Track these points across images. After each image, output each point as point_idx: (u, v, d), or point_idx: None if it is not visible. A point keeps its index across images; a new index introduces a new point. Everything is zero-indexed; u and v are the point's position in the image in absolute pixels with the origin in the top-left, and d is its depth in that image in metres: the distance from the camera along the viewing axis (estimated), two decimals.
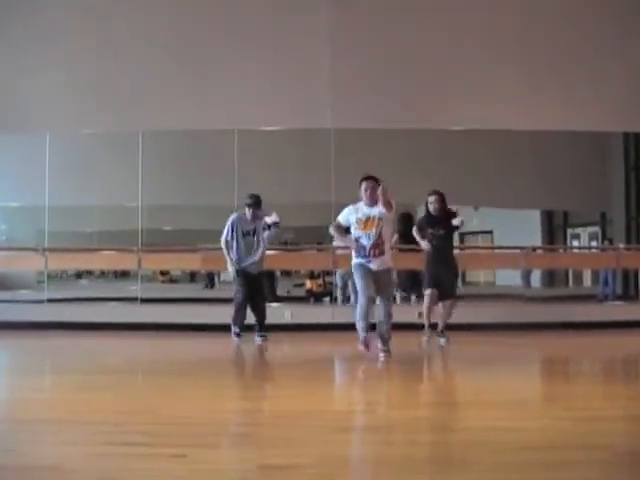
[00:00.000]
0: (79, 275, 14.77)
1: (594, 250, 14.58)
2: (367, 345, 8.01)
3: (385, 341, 8.11)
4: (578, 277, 14.82)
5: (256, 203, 9.76)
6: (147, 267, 12.07)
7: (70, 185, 12.11)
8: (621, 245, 12.57)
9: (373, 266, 8.01)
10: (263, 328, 9.72)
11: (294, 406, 5.63)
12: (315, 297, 13.15)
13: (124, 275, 13.99)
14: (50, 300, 11.76)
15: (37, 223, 12.09)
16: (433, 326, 9.72)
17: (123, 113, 11.55)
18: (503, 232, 14.65)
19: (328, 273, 13.28)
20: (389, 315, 8.07)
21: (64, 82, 11.56)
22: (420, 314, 10.61)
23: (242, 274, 9.71)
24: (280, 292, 12.95)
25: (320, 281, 13.53)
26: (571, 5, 11.79)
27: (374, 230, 8.02)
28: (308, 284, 13.52)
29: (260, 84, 11.46)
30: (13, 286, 13.07)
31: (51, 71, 11.59)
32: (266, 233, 9.76)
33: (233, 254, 9.74)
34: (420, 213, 15.16)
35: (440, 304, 9.66)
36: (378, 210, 8.03)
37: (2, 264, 12.06)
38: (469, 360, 8.48)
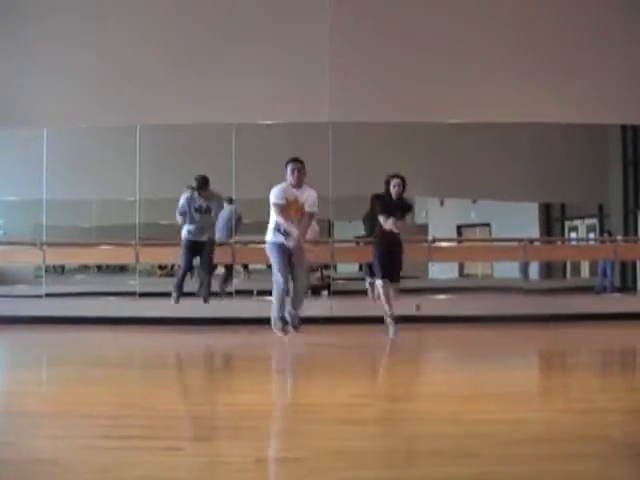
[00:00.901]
0: (65, 269, 14.76)
1: (592, 242, 14.60)
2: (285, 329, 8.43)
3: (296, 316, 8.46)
4: (576, 269, 14.83)
5: (200, 185, 10.13)
6: (145, 261, 12.06)
7: (68, 179, 12.10)
8: (619, 237, 12.57)
9: (289, 243, 8.27)
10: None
11: (291, 399, 5.64)
12: (313, 290, 13.14)
13: (122, 269, 13.99)
14: (48, 295, 11.75)
15: (35, 217, 12.07)
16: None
17: (120, 108, 11.53)
18: (501, 225, 14.68)
19: (326, 266, 13.28)
20: (304, 290, 8.56)
21: (62, 77, 11.52)
22: (418, 306, 10.65)
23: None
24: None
25: (318, 274, 13.53)
26: (572, 2, 11.78)
27: (296, 213, 8.33)
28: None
29: (258, 78, 11.43)
30: (11, 281, 13.07)
31: (49, 66, 11.56)
32: None
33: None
34: (420, 207, 15.32)
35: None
36: (305, 195, 8.36)
37: (0, 259, 12.05)
38: (467, 353, 8.48)
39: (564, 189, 13.73)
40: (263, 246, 8.73)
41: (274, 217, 8.37)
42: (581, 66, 11.60)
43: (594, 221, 14.84)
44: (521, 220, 14.70)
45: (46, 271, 12.20)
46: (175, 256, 10.85)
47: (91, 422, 4.72)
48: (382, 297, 9.41)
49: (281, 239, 8.31)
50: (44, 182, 11.72)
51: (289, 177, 8.31)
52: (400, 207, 9.46)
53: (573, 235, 15.12)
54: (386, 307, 9.35)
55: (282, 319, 8.41)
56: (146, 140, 11.85)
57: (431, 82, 11.52)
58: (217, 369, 7.72)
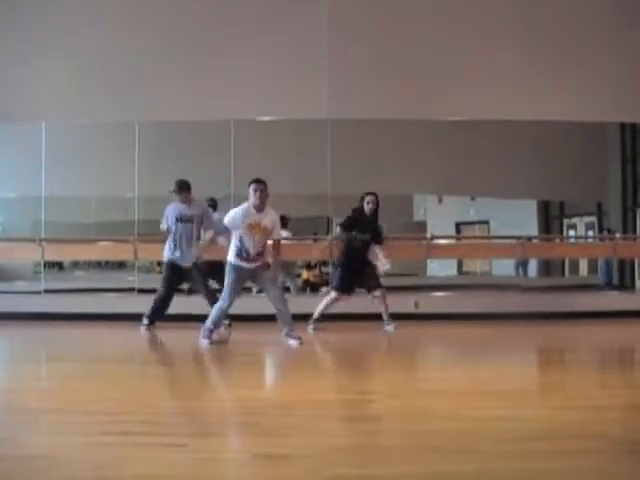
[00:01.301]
0: (64, 265, 14.74)
1: (590, 240, 14.61)
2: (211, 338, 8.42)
3: (291, 328, 8.41)
4: (574, 267, 14.84)
5: (180, 189, 9.74)
6: (144, 258, 12.05)
7: (66, 176, 12.08)
8: (617, 235, 12.58)
9: (252, 266, 8.26)
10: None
11: (291, 396, 5.64)
12: (311, 287, 13.16)
13: (121, 266, 13.98)
14: (47, 291, 11.75)
15: (33, 214, 12.06)
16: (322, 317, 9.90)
17: (119, 103, 11.51)
18: (500, 222, 14.68)
19: (324, 263, 13.28)
20: (283, 302, 8.40)
21: (60, 72, 11.51)
22: (417, 304, 10.68)
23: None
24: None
25: (317, 271, 13.54)
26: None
27: (260, 237, 8.21)
28: (304, 274, 13.53)
29: (257, 75, 11.42)
30: (10, 277, 13.06)
31: (48, 60, 11.54)
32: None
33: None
34: (419, 204, 15.34)
35: (371, 297, 9.78)
36: (267, 220, 8.21)
37: None
38: (465, 350, 8.48)
39: (563, 187, 13.73)
40: None
41: (236, 239, 8.25)
42: (580, 64, 11.59)
43: (593, 219, 14.84)
44: (520, 218, 14.70)
45: (45, 267, 12.20)
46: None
47: (90, 418, 4.72)
48: (324, 304, 9.82)
49: (243, 263, 8.23)
50: (42, 178, 11.70)
51: (251, 198, 8.19)
52: (372, 223, 9.70)
53: (572, 233, 15.12)
54: (319, 311, 9.81)
55: (212, 331, 8.41)
56: (145, 136, 11.83)
57: (430, 79, 11.52)
58: (217, 365, 7.72)
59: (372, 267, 9.81)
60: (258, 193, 8.15)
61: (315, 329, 9.73)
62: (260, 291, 8.99)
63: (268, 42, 11.49)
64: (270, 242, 8.36)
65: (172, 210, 9.82)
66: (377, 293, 9.68)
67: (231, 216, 8.24)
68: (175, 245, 9.75)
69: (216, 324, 8.44)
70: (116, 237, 12.03)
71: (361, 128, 11.81)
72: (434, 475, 3.56)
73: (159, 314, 9.91)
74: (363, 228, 9.66)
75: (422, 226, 14.58)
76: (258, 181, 8.23)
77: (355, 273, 9.71)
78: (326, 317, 9.89)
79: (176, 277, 9.82)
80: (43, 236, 11.53)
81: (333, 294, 9.82)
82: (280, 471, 3.66)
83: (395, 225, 14.64)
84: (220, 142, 11.74)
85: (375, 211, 9.72)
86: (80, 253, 12.57)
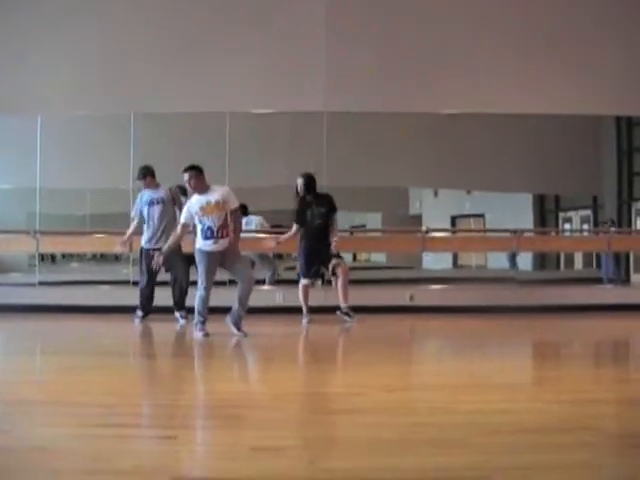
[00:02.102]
0: (65, 256, 14.72)
1: (585, 233, 14.62)
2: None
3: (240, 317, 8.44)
4: (569, 260, 14.86)
5: (144, 175, 9.84)
6: (138, 250, 12.04)
7: (62, 167, 12.06)
8: (612, 229, 12.59)
9: (219, 247, 8.21)
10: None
11: (285, 388, 5.64)
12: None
13: (116, 258, 13.96)
14: (41, 283, 11.73)
15: (28, 206, 12.04)
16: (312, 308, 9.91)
17: (115, 95, 11.49)
18: (495, 216, 14.69)
19: None
20: (250, 288, 8.40)
21: (56, 63, 11.48)
22: (412, 297, 10.69)
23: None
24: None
25: None
26: None
27: (217, 213, 8.18)
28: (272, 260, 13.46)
29: (253, 67, 11.40)
30: (4, 269, 13.04)
31: (43, 53, 11.51)
32: None
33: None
34: (414, 197, 15.33)
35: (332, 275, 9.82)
36: (215, 196, 8.20)
37: None
38: (461, 343, 8.50)
39: (558, 180, 13.73)
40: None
41: (198, 226, 8.29)
42: (576, 58, 11.59)
43: (588, 212, 14.85)
44: (515, 211, 14.71)
45: (41, 259, 12.18)
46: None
47: (85, 410, 4.72)
48: (301, 295, 9.84)
49: (210, 246, 8.23)
50: (38, 170, 11.68)
51: (187, 186, 8.37)
52: (319, 199, 9.72)
53: (567, 226, 15.14)
54: (302, 304, 9.82)
55: (203, 322, 8.37)
56: (140, 128, 11.81)
57: (427, 72, 11.51)
58: (211, 358, 7.72)
59: (329, 247, 9.75)
60: (192, 181, 8.21)
61: (309, 322, 9.72)
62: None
63: (264, 34, 11.47)
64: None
65: (141, 197, 9.93)
66: (334, 261, 9.68)
67: (185, 212, 8.36)
68: (151, 232, 9.81)
69: (202, 314, 8.37)
70: (111, 229, 12.00)
71: (357, 121, 11.79)
72: (428, 467, 3.56)
73: (148, 304, 9.92)
74: (312, 210, 9.70)
75: (418, 219, 14.57)
76: (186, 169, 8.28)
77: (314, 255, 9.71)
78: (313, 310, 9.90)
79: (147, 263, 9.69)
80: (38, 228, 11.51)
81: (302, 282, 9.83)
82: (273, 463, 3.65)
83: (391, 218, 14.65)
84: (216, 134, 11.73)
85: (314, 190, 9.76)
86: (75, 245, 12.56)
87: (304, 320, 9.75)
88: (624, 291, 12.17)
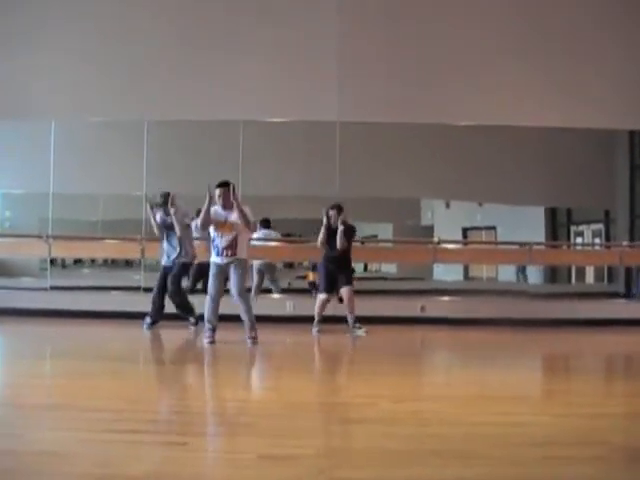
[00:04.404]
0: (77, 261, 14.74)
1: (597, 247, 14.59)
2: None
3: (251, 327, 8.68)
4: (581, 274, 14.81)
5: (164, 202, 9.96)
6: (150, 256, 12.08)
7: (75, 173, 12.11)
8: (624, 243, 12.55)
9: (224, 261, 8.60)
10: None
11: (294, 397, 5.64)
12: (317, 289, 13.14)
13: (128, 264, 13.99)
14: (53, 288, 11.77)
15: (41, 211, 12.09)
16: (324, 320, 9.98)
17: (128, 102, 11.54)
18: (507, 228, 14.66)
19: None
20: (247, 308, 8.68)
21: (70, 70, 11.54)
22: (422, 308, 10.70)
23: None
24: (282, 284, 12.92)
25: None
26: (581, 3, 11.76)
27: (229, 234, 8.60)
28: (310, 276, 13.51)
29: (267, 75, 11.43)
30: (16, 273, 13.09)
31: (57, 58, 11.56)
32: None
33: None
34: (426, 209, 15.33)
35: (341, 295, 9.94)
36: (235, 216, 8.56)
37: (6, 251, 12.07)
38: (471, 355, 8.48)
39: (571, 194, 13.70)
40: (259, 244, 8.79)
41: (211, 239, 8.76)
42: (590, 70, 11.58)
43: (600, 226, 14.81)
44: (527, 224, 14.68)
45: (51, 264, 12.23)
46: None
47: (95, 415, 4.73)
48: (317, 306, 9.94)
49: (218, 260, 8.61)
50: (51, 175, 11.73)
51: (217, 201, 8.65)
52: (341, 233, 9.76)
53: (579, 240, 15.10)
54: (316, 314, 9.91)
55: (212, 329, 8.60)
56: (153, 135, 11.86)
57: (440, 84, 11.51)
58: (221, 365, 7.73)
59: (348, 270, 9.98)
60: (222, 199, 8.62)
61: (319, 332, 9.76)
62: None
63: (279, 44, 11.50)
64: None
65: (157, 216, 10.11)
66: (343, 289, 9.80)
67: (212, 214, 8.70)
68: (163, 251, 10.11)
69: (211, 322, 8.60)
70: (123, 235, 12.04)
71: (370, 131, 11.81)
72: (436, 478, 3.57)
73: (158, 313, 10.03)
74: (332, 242, 9.82)
75: (429, 230, 14.57)
76: (220, 185, 8.69)
77: (333, 276, 9.87)
78: (326, 320, 9.93)
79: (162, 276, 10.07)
80: (50, 233, 11.55)
81: (321, 296, 9.92)
82: (283, 471, 3.66)
83: (402, 229, 14.65)
84: (229, 142, 11.76)
85: (341, 222, 9.85)
86: (87, 251, 12.61)
87: (314, 329, 9.81)
88: (636, 306, 12.11)
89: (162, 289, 9.98)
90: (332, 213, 9.88)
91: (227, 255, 8.56)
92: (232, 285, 8.65)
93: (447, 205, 15.59)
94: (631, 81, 11.56)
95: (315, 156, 12.04)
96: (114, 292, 11.96)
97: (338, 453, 3.99)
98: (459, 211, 15.65)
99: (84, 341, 9.13)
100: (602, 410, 5.26)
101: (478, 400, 5.58)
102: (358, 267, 14.14)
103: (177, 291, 9.99)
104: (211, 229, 8.68)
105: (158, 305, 9.97)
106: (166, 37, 11.59)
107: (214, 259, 8.64)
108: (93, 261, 14.99)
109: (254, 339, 8.58)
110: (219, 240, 8.59)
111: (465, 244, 14.43)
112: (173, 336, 9.72)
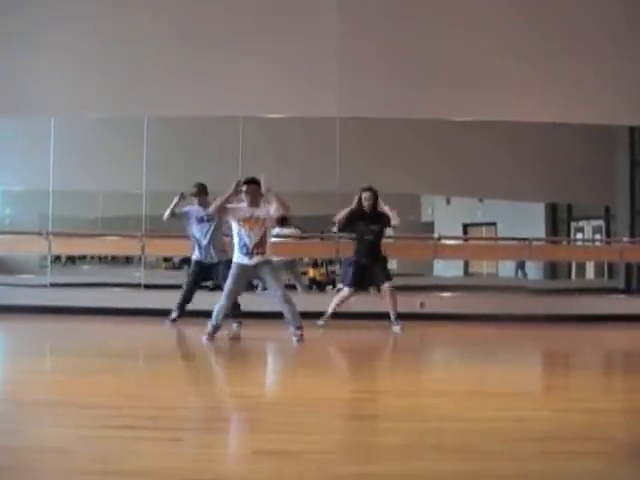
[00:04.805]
0: (73, 259, 14.73)
1: (597, 243, 14.57)
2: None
3: (297, 327, 8.41)
4: (581, 270, 14.80)
5: (200, 192, 9.78)
6: (150, 253, 12.08)
7: (74, 170, 12.10)
8: (625, 239, 12.54)
9: (253, 261, 8.33)
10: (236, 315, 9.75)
11: (293, 393, 5.64)
12: (318, 286, 13.16)
13: (128, 261, 13.99)
14: (53, 285, 11.77)
15: (40, 208, 12.09)
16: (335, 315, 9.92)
17: (128, 98, 11.53)
18: (507, 224, 14.65)
19: (331, 262, 13.30)
20: (287, 302, 8.41)
21: (69, 66, 11.53)
22: (422, 304, 10.69)
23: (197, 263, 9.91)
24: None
25: (323, 270, 13.54)
26: (581, 3, 11.75)
27: (257, 230, 8.34)
28: (311, 273, 13.52)
29: (266, 71, 11.42)
30: (16, 270, 13.09)
31: (57, 55, 11.56)
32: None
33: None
34: (427, 205, 15.31)
35: (381, 294, 9.79)
36: (263, 211, 8.39)
37: (5, 248, 12.06)
38: (471, 351, 8.48)
39: (571, 190, 13.69)
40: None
41: (236, 239, 8.44)
42: (590, 66, 11.57)
43: (600, 222, 14.80)
44: (527, 220, 14.67)
45: (52, 261, 12.23)
46: (180, 248, 10.97)
47: (93, 412, 4.73)
48: (336, 301, 9.85)
49: (245, 260, 8.35)
50: (51, 172, 11.73)
51: (244, 199, 8.43)
52: (374, 217, 9.69)
53: (579, 236, 15.08)
54: (331, 308, 9.86)
55: (215, 327, 8.46)
56: (153, 132, 11.85)
57: (439, 80, 11.50)
58: (220, 361, 7.73)
59: (383, 263, 9.83)
60: (249, 197, 8.37)
61: (324, 326, 9.75)
62: (265, 289, 8.98)
63: (278, 39, 11.49)
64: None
65: (189, 213, 9.89)
66: (385, 285, 9.66)
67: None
68: (199, 245, 9.84)
69: (219, 323, 8.49)
70: (123, 232, 12.04)
71: (370, 127, 11.80)
72: (437, 474, 3.56)
73: (182, 309, 9.93)
74: (365, 225, 9.67)
75: (429, 226, 14.56)
76: (247, 182, 8.43)
77: (365, 269, 9.71)
78: (335, 315, 9.91)
79: (201, 274, 9.88)
80: (50, 230, 11.55)
81: (345, 291, 9.82)
82: (282, 467, 3.66)
83: (402, 225, 14.65)
84: (229, 138, 11.75)
85: (374, 207, 9.73)
86: (87, 248, 12.61)
87: (320, 322, 9.78)
88: (636, 302, 12.10)
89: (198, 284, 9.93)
90: (366, 195, 9.67)
91: (257, 254, 8.31)
92: (273, 292, 8.40)
93: (448, 201, 15.58)
94: (631, 77, 11.54)
95: (315, 152, 12.03)
96: (114, 289, 11.96)
97: (337, 449, 3.99)
98: (459, 207, 15.63)
99: (84, 338, 9.13)
100: (602, 405, 5.26)
101: (478, 395, 5.58)
102: None
103: None
104: (234, 225, 8.44)
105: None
106: (166, 34, 11.57)
107: (240, 260, 8.36)
108: (92, 258, 14.97)
109: (301, 336, 8.38)
110: (247, 237, 8.32)
111: (465, 240, 14.42)
112: (175, 332, 9.72)
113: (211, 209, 8.60)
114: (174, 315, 9.86)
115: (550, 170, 12.97)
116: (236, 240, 8.40)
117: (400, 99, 11.38)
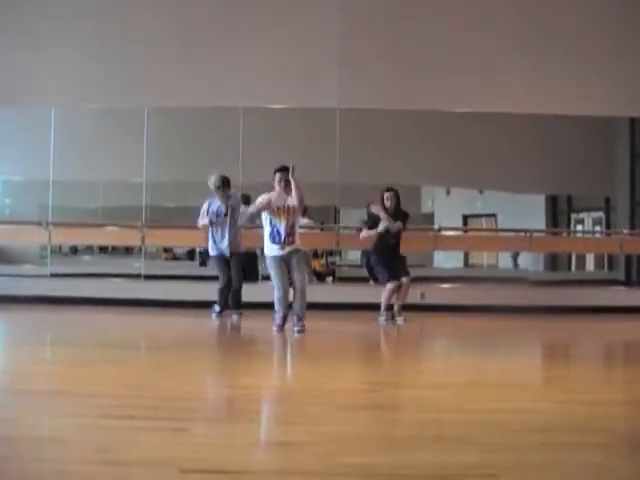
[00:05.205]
0: (74, 250, 14.71)
1: (597, 235, 14.56)
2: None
3: (300, 318, 8.47)
4: (581, 262, 14.79)
5: (223, 184, 9.67)
6: (150, 244, 12.08)
7: (75, 160, 12.09)
8: (625, 231, 12.54)
9: (285, 251, 8.42)
10: (237, 306, 9.83)
11: (297, 384, 5.65)
12: (318, 277, 13.14)
13: (128, 251, 13.99)
14: (53, 275, 11.78)
15: (41, 198, 12.08)
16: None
17: (128, 89, 11.53)
18: (507, 216, 14.63)
19: (331, 253, 13.29)
20: (302, 293, 8.47)
21: (70, 57, 11.53)
22: (422, 295, 10.70)
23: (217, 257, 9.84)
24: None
25: (323, 261, 13.53)
26: (581, 3, 11.73)
27: (290, 219, 8.42)
28: (311, 264, 13.50)
29: (267, 62, 11.42)
30: (16, 260, 13.08)
31: (57, 46, 11.55)
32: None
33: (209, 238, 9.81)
34: (426, 196, 15.29)
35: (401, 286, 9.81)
36: (292, 200, 8.42)
37: (6, 238, 12.07)
38: (471, 342, 8.49)
39: (571, 181, 13.67)
40: None
41: (267, 228, 8.49)
42: (590, 58, 11.57)
43: (600, 214, 14.78)
44: (527, 212, 14.64)
45: (52, 252, 12.23)
46: (181, 239, 10.97)
47: (94, 401, 4.73)
48: (385, 297, 9.75)
49: (278, 250, 8.42)
50: (51, 162, 11.73)
51: (276, 186, 8.50)
52: (395, 217, 9.74)
53: (579, 228, 15.07)
54: (383, 304, 9.75)
55: (283, 319, 8.55)
56: (153, 122, 11.85)
57: (440, 71, 11.50)
58: (221, 352, 7.74)
59: (403, 259, 10.00)
60: (283, 183, 8.46)
61: (386, 320, 9.68)
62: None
63: (279, 30, 11.49)
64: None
65: (210, 205, 9.81)
66: (404, 279, 9.67)
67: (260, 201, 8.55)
68: (213, 240, 9.80)
69: (283, 312, 8.55)
70: (123, 223, 12.03)
71: (370, 118, 11.80)
72: (438, 465, 3.56)
73: (223, 302, 9.92)
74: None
75: (430, 218, 14.54)
76: (282, 170, 8.49)
77: (393, 262, 9.76)
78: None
79: (226, 265, 9.84)
80: (50, 220, 11.54)
81: (389, 285, 9.76)
82: (285, 458, 3.66)
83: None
84: (229, 129, 11.74)
85: (397, 207, 9.76)
86: (87, 238, 12.61)
87: (381, 318, 9.71)
88: (636, 293, 12.11)
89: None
90: (388, 195, 9.75)
91: (289, 243, 8.40)
92: (295, 277, 8.47)
93: (448, 192, 15.55)
94: (631, 68, 11.57)
95: (315, 143, 12.02)
96: (114, 279, 11.96)
97: (338, 439, 3.99)
98: (459, 198, 15.60)
99: (84, 328, 9.14)
100: (602, 397, 5.26)
101: (478, 387, 5.58)
102: (356, 255, 14.13)
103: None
104: (264, 216, 8.49)
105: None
106: (166, 25, 11.60)
107: (273, 252, 8.44)
108: (91, 247, 14.96)
109: (302, 327, 8.43)
110: (280, 226, 8.39)
111: (465, 231, 14.41)
112: (175, 323, 9.72)
113: (244, 220, 9.00)
114: (217, 309, 9.89)
115: (550, 162, 12.95)
116: (267, 230, 8.47)
117: (400, 90, 11.38)
